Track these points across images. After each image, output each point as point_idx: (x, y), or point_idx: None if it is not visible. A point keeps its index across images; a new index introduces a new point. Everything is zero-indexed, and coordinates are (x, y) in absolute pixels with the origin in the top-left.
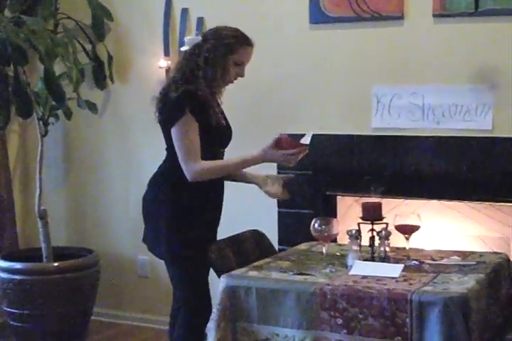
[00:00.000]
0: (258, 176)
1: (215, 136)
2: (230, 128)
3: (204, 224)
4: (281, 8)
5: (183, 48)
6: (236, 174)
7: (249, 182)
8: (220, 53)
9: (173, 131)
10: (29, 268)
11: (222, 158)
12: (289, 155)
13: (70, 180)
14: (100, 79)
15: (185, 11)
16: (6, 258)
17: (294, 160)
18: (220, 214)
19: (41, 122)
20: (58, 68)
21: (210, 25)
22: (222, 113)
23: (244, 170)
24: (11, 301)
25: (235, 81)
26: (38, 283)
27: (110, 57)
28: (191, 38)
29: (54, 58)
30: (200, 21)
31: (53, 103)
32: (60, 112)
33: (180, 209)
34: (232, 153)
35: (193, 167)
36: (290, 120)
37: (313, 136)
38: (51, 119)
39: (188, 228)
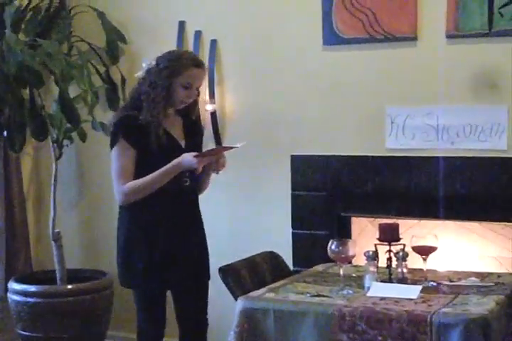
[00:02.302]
0: None
1: (159, 159)
2: (193, 147)
3: (160, 252)
4: (295, 29)
5: (137, 74)
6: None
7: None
8: (164, 76)
9: (111, 156)
10: (43, 291)
11: (186, 182)
12: (206, 159)
13: (84, 202)
14: (114, 101)
15: (198, 34)
16: (19, 281)
17: (214, 164)
18: (184, 241)
19: (55, 144)
20: (72, 90)
21: (223, 47)
22: (190, 132)
23: None
24: (24, 324)
25: (188, 101)
26: (52, 305)
27: (123, 80)
28: (149, 63)
29: (69, 81)
30: (214, 43)
31: (68, 125)
32: (74, 134)
33: (134, 233)
34: (246, 175)
35: (120, 189)
36: (304, 141)
37: (328, 157)
38: (65, 141)
39: (139, 254)
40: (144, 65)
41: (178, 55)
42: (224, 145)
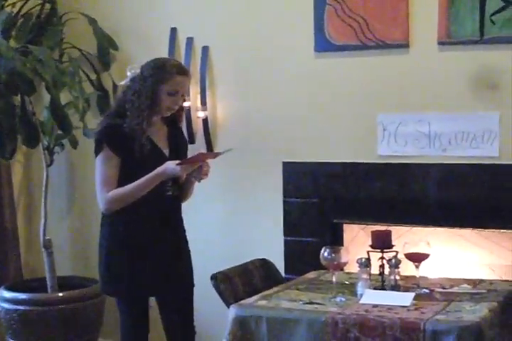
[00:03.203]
0: None
1: (143, 167)
2: (177, 156)
3: (141, 261)
4: (287, 36)
5: (122, 83)
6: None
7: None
8: (148, 84)
9: (95, 164)
10: (33, 299)
11: (168, 191)
12: (190, 167)
13: (75, 209)
14: (105, 108)
15: (190, 40)
16: (10, 289)
17: (196, 172)
18: (166, 249)
19: (47, 151)
20: (64, 97)
21: (215, 54)
22: (174, 141)
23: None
24: (15, 332)
25: (174, 108)
26: (43, 313)
27: (115, 86)
28: (134, 71)
29: (61, 87)
30: (205, 50)
31: (59, 132)
32: (65, 141)
33: (116, 241)
34: (238, 182)
35: (103, 197)
36: (295, 148)
37: (320, 164)
38: (56, 148)
39: (121, 262)
40: (128, 73)
41: (162, 63)
42: (207, 152)
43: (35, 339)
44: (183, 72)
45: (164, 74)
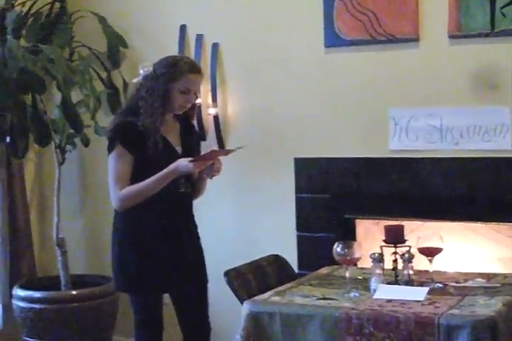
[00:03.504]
0: None
1: (155, 165)
2: (189, 153)
3: (154, 257)
4: (296, 32)
5: (134, 80)
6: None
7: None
8: (161, 82)
9: (108, 161)
10: (47, 297)
11: (181, 188)
12: (202, 164)
13: (88, 207)
14: (116, 106)
15: (199, 37)
16: (24, 287)
17: (208, 169)
18: (178, 246)
19: (58, 150)
20: (74, 96)
21: (224, 50)
22: (186, 138)
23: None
24: (29, 330)
25: (187, 106)
26: (57, 311)
27: (125, 84)
28: (146, 69)
29: (71, 86)
30: (215, 47)
31: (71, 131)
32: (77, 140)
33: (129, 238)
34: (250, 178)
35: (116, 194)
36: (307, 144)
37: (332, 160)
38: (68, 147)
39: (134, 259)
40: (141, 71)
41: (175, 61)
42: (219, 148)
43: (50, 337)
44: (196, 70)
45: (177, 73)
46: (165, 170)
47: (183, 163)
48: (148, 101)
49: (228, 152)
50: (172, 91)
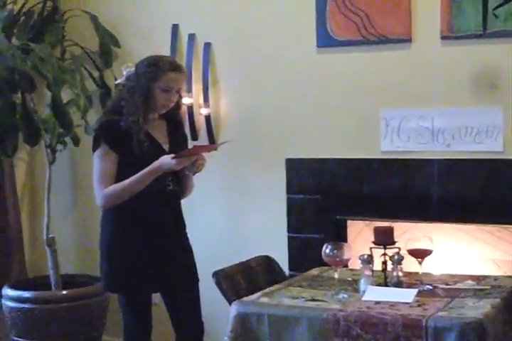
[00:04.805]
0: None
1: (141, 163)
2: (177, 151)
3: (142, 258)
4: (289, 31)
5: (118, 81)
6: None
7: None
8: (143, 81)
9: (93, 160)
10: (37, 297)
11: (169, 185)
12: (185, 160)
13: (78, 207)
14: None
15: (192, 37)
16: (14, 287)
17: (190, 165)
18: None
19: (49, 149)
20: (65, 95)
21: (217, 50)
22: (174, 135)
23: None
24: (19, 330)
25: (169, 105)
26: (47, 311)
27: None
28: (129, 69)
29: (61, 85)
30: (208, 46)
31: (61, 130)
32: (67, 139)
33: (116, 237)
34: (241, 178)
35: (100, 192)
36: (298, 144)
37: (323, 160)
38: (59, 146)
39: (122, 258)
40: (124, 72)
41: (156, 60)
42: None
43: (40, 337)
44: (177, 68)
45: (157, 71)
46: (148, 168)
47: (166, 160)
48: (130, 100)
49: (211, 148)
50: (153, 90)
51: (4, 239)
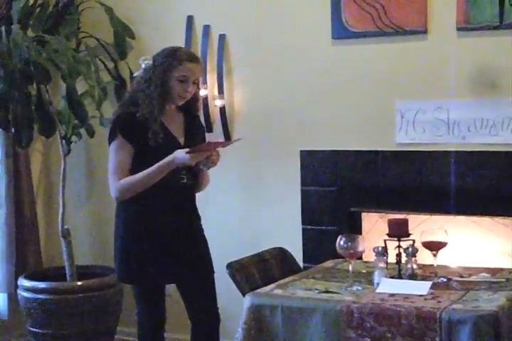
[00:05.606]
0: None
1: (156, 155)
2: (192, 144)
3: (156, 249)
4: (304, 23)
5: (136, 74)
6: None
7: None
8: (159, 72)
9: (109, 152)
10: (53, 288)
11: (183, 179)
12: (199, 156)
13: (93, 198)
14: (122, 97)
15: (206, 28)
16: (29, 278)
17: (205, 160)
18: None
19: (64, 141)
20: (80, 87)
21: (231, 42)
22: (190, 130)
23: None
24: (35, 321)
25: (185, 96)
26: (62, 302)
27: (132, 75)
28: (147, 62)
29: (76, 77)
30: (222, 38)
31: (76, 121)
32: (82, 130)
33: (131, 229)
34: (256, 171)
35: (114, 184)
36: (313, 136)
37: (338, 152)
38: (74, 138)
39: (136, 250)
40: (142, 64)
41: (172, 51)
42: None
43: (55, 327)
44: (193, 58)
45: (173, 62)
46: (162, 161)
47: (180, 155)
48: (146, 91)
49: (225, 144)
50: (170, 80)
51: (20, 231)
